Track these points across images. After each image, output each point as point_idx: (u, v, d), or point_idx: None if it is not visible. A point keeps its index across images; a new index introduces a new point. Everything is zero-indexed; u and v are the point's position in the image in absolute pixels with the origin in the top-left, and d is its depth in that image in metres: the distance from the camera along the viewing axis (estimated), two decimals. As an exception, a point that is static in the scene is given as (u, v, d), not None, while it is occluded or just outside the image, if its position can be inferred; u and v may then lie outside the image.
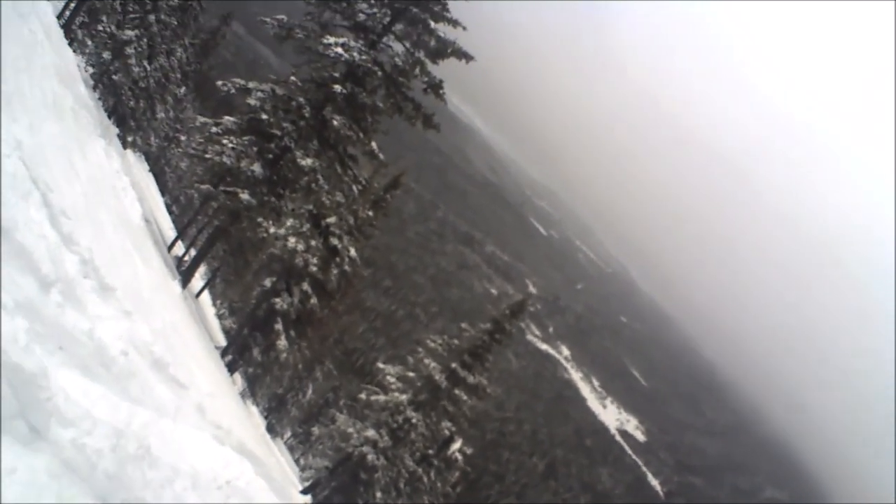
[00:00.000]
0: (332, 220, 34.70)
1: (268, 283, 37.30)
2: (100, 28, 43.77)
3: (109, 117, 40.47)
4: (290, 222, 33.36)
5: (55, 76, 17.76)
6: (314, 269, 33.75)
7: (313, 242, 33.57)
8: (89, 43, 44.19)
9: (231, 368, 36.79)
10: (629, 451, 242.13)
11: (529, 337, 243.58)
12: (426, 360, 37.03)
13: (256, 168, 30.63)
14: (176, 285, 28.88)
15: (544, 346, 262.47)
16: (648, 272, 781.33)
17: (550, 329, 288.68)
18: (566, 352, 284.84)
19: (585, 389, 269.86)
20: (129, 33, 41.34)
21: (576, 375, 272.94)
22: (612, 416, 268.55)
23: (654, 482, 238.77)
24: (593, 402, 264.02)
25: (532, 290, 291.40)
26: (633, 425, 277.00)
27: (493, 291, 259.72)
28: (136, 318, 13.06)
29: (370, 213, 38.76)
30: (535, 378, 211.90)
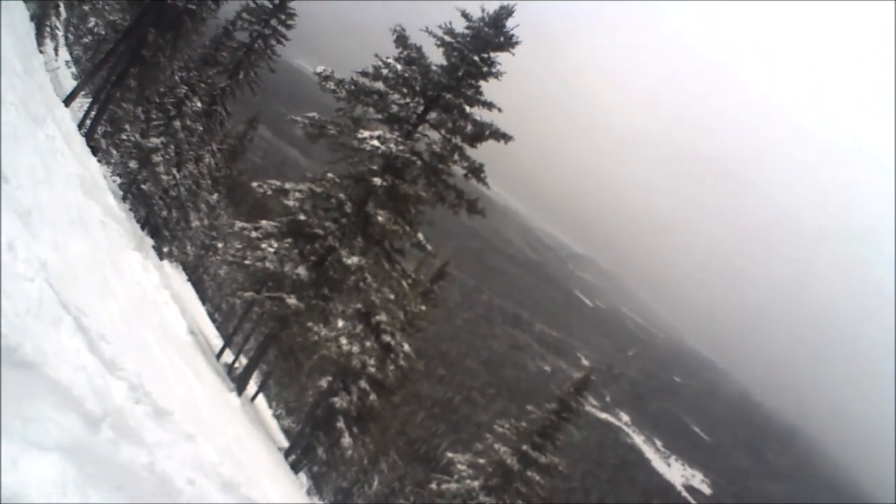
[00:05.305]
0: (382, 317, 33.77)
1: (324, 383, 36.85)
2: (124, 137, 43.52)
3: (142, 228, 39.86)
4: (340, 324, 32.36)
5: (79, 187, 16.90)
6: (372, 369, 32.83)
7: (368, 343, 32.59)
8: (114, 152, 43.96)
9: (295, 468, 36.45)
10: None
11: (588, 408, 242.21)
12: (496, 445, 36.73)
13: (301, 271, 29.70)
14: (233, 396, 27.93)
15: (604, 415, 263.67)
16: (698, 328, 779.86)
17: (608, 398, 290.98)
18: (625, 417, 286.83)
19: (649, 451, 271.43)
20: (155, 141, 40.84)
21: (638, 439, 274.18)
22: (677, 473, 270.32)
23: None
24: (658, 463, 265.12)
25: (584, 362, 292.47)
26: (698, 479, 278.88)
27: (547, 368, 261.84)
28: (199, 440, 12.12)
29: (422, 308, 38.11)
30: (598, 447, 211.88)
